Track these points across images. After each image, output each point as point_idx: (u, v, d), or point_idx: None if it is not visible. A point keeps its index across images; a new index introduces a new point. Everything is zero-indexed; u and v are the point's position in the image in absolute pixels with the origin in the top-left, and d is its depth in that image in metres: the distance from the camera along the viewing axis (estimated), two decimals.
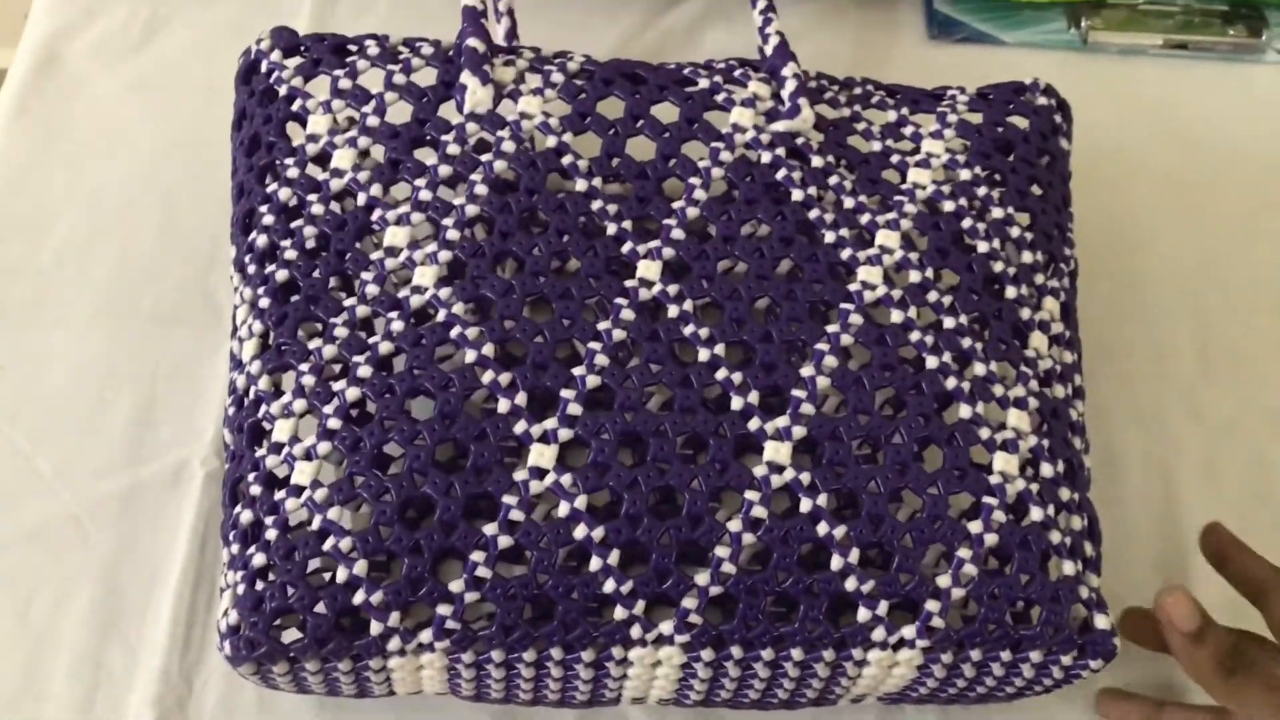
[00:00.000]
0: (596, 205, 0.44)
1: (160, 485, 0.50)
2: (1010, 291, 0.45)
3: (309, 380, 0.41)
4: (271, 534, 0.40)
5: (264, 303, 0.43)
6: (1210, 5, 0.64)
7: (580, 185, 0.45)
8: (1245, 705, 0.43)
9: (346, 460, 0.40)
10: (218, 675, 0.47)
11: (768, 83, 0.48)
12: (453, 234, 0.43)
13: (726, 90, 0.47)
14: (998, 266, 0.46)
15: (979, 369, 0.44)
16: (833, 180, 0.46)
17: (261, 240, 0.44)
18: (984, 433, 0.43)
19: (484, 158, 0.44)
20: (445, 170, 0.44)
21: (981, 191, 0.47)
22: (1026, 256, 0.46)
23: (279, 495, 0.40)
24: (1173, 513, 0.52)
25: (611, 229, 0.44)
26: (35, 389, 0.51)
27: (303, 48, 0.47)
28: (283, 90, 0.46)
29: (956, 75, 0.57)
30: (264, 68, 0.46)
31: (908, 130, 0.48)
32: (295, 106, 0.45)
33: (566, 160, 0.45)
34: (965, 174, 0.47)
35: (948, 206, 0.46)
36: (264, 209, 0.44)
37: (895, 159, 0.48)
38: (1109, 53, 0.63)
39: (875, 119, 0.49)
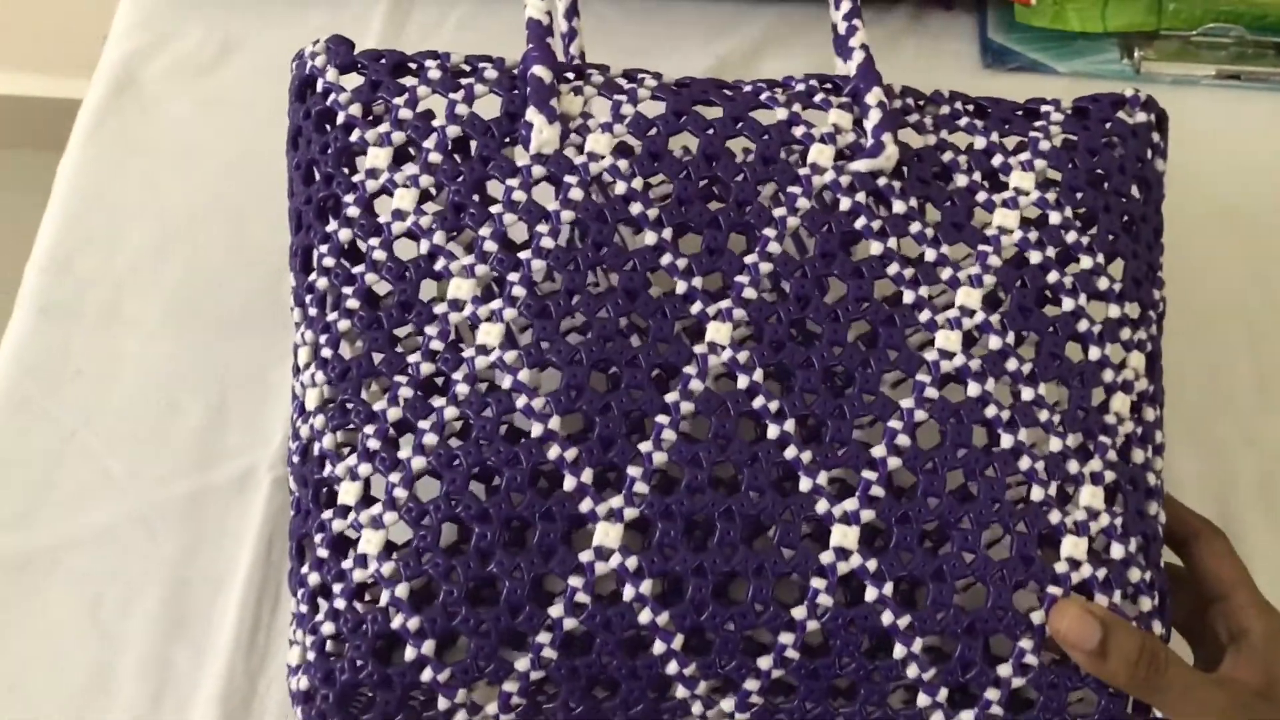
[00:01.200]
0: (666, 260, 0.42)
1: (228, 489, 0.50)
2: (1094, 353, 0.43)
3: (374, 444, 0.40)
4: (340, 603, 0.39)
5: (326, 353, 0.42)
6: (1263, 37, 0.63)
7: (650, 238, 0.42)
8: (1167, 707, 0.41)
9: (413, 533, 0.39)
10: (281, 678, 0.47)
11: (849, 109, 0.44)
12: (518, 290, 0.41)
13: (805, 123, 0.44)
14: (1082, 325, 0.43)
15: (1054, 444, 0.42)
16: (914, 228, 0.43)
17: (322, 283, 0.42)
18: (1054, 516, 0.41)
19: (550, 206, 0.42)
20: (510, 218, 0.42)
21: (1071, 238, 0.44)
22: (1113, 310, 0.43)
23: (346, 564, 0.40)
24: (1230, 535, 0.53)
25: (681, 287, 0.42)
26: (108, 393, 0.51)
27: (360, 65, 0.44)
28: (340, 117, 0.43)
29: None
30: (319, 86, 0.44)
31: (996, 160, 0.45)
32: (354, 137, 0.43)
33: (636, 209, 0.42)
34: (1055, 217, 0.44)
35: (1034, 258, 0.43)
36: (324, 249, 0.42)
37: (981, 197, 0.44)
38: (1162, 83, 0.62)
39: (962, 144, 0.45)
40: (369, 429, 0.41)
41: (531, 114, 0.42)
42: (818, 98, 0.45)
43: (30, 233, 0.56)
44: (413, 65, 0.44)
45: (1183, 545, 0.45)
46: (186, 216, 0.56)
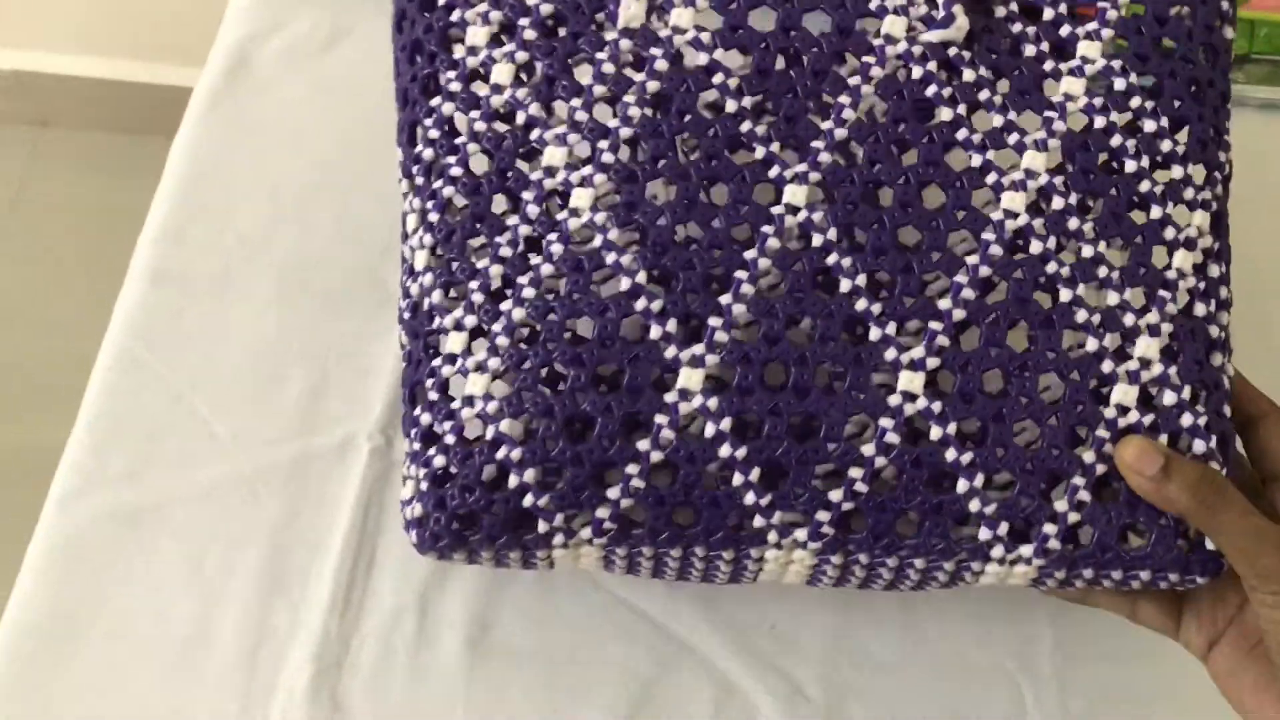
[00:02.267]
0: (745, 127, 0.46)
1: (328, 456, 0.54)
2: (1155, 211, 0.47)
3: (478, 298, 0.45)
4: (450, 439, 0.45)
5: (432, 217, 0.47)
6: None
7: (730, 105, 0.47)
8: (1224, 532, 0.44)
9: (514, 376, 0.45)
10: (373, 638, 0.51)
11: None
12: (608, 156, 0.46)
13: None
14: (1144, 186, 0.47)
15: (1112, 298, 0.46)
16: (983, 95, 0.48)
17: (428, 153, 0.48)
18: (1106, 365, 0.46)
19: (637, 77, 0.47)
20: (600, 89, 0.47)
21: (1135, 103, 0.48)
22: (1176, 171, 0.48)
23: (455, 404, 0.45)
24: None
25: (760, 152, 0.46)
26: (216, 359, 0.56)
27: None
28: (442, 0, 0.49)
29: None
30: None
31: (1064, 30, 0.49)
32: (454, 16, 0.48)
33: (717, 79, 0.47)
34: (1120, 83, 0.48)
35: (1099, 123, 0.48)
36: (428, 122, 0.48)
37: (1049, 66, 0.48)
38: (1250, 106, 0.66)
39: (1030, 14, 0.49)
40: (473, 284, 0.46)
41: None
42: None
43: (138, 216, 0.59)
44: None
45: (1247, 426, 0.49)
46: (295, 195, 0.60)
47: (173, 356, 0.55)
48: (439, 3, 0.49)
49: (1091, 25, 0.49)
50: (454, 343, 0.46)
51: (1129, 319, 0.46)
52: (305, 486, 0.53)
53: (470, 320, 0.46)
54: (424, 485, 0.45)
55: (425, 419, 0.46)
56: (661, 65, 0.47)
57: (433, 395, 0.46)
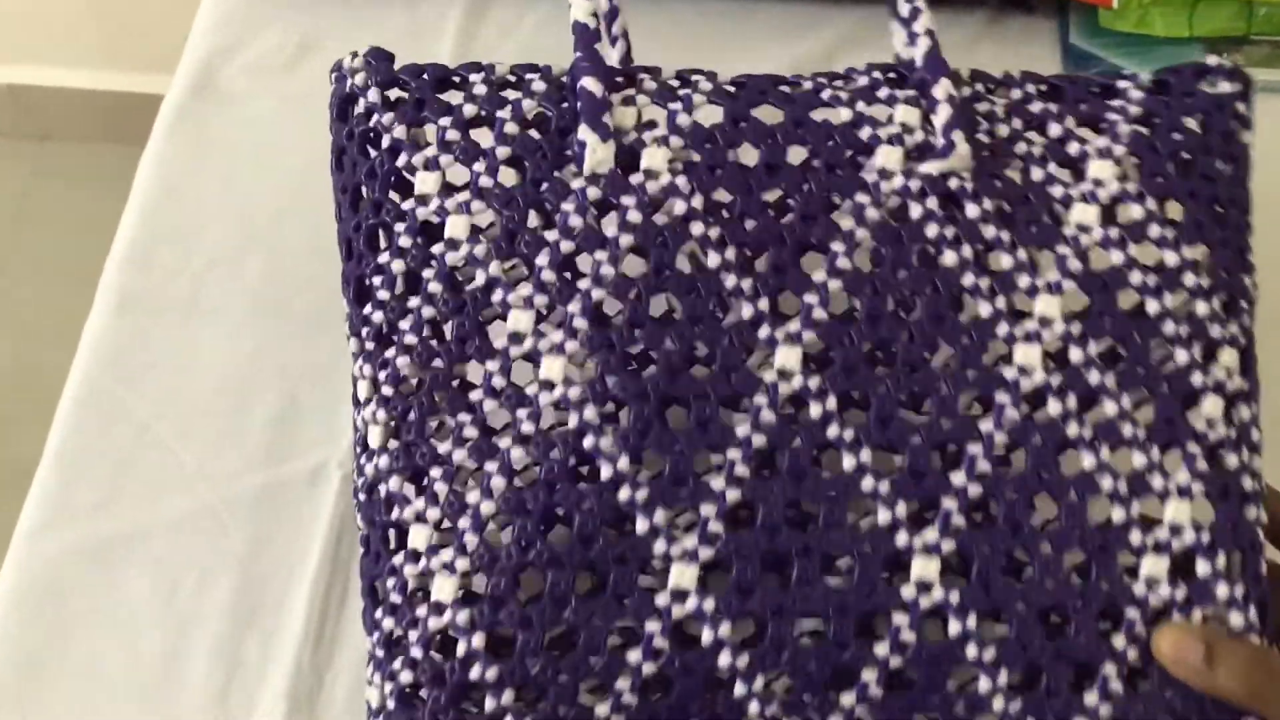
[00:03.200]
0: (730, 282, 0.40)
1: (299, 484, 0.50)
2: (1181, 356, 0.40)
3: (441, 488, 0.39)
4: (416, 652, 0.39)
5: (387, 390, 0.41)
6: None
7: (713, 259, 0.40)
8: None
9: (486, 581, 0.38)
10: (347, 671, 0.48)
11: (916, 104, 0.42)
12: (579, 322, 0.40)
13: (871, 123, 0.42)
14: (1169, 328, 0.41)
15: (1138, 460, 0.40)
16: (989, 232, 0.41)
17: (378, 317, 0.41)
18: (1135, 536, 0.39)
19: (609, 231, 0.40)
20: (567, 246, 0.40)
21: (1155, 232, 0.41)
22: (1201, 307, 0.41)
23: (420, 611, 0.39)
24: None
25: (747, 311, 0.40)
26: (184, 387, 0.52)
27: (402, 81, 0.42)
28: (385, 140, 0.42)
29: None
30: (361, 106, 0.42)
31: (1073, 149, 0.42)
32: (401, 162, 0.41)
33: (697, 229, 0.40)
34: (1136, 210, 0.41)
35: (1116, 258, 0.41)
36: (377, 281, 0.41)
37: (1058, 191, 0.42)
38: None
39: (1036, 132, 0.43)
40: (435, 471, 0.40)
41: (584, 132, 0.41)
42: (882, 93, 0.42)
43: (112, 225, 0.57)
44: (457, 79, 0.43)
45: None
46: (264, 214, 0.57)
47: (140, 385, 0.52)
48: (383, 144, 0.42)
49: (1102, 142, 0.42)
50: (416, 538, 0.39)
51: (1157, 481, 0.40)
52: (276, 516, 0.49)
53: (434, 514, 0.39)
54: (390, 702, 0.39)
55: (388, 624, 0.40)
56: (635, 217, 0.40)
57: (395, 597, 0.39)
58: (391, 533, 0.40)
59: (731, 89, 0.43)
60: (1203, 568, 0.40)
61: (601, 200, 0.41)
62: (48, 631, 0.48)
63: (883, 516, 0.39)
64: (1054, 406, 0.40)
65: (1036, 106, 0.44)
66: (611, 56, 0.45)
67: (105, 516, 0.50)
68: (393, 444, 0.41)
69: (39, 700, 0.47)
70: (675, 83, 0.43)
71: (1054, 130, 0.43)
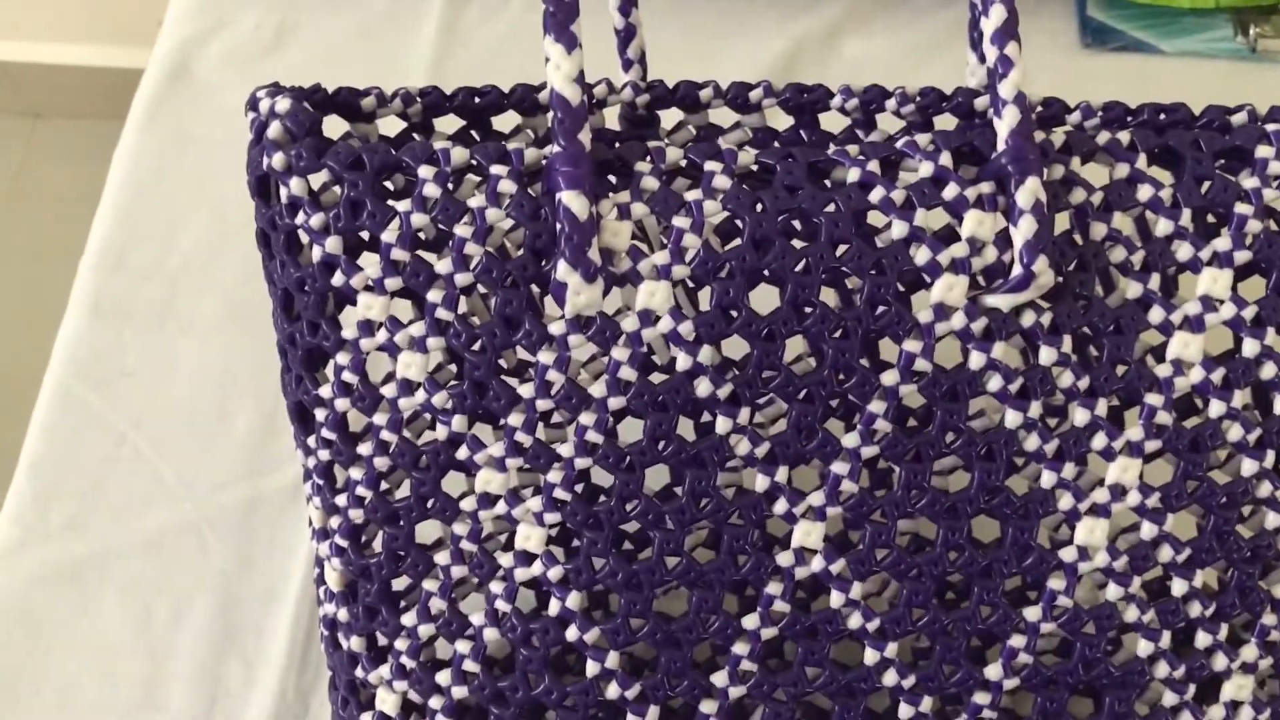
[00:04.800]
0: (743, 449, 0.33)
1: (281, 497, 0.48)
2: (1272, 520, 0.35)
3: (408, 662, 0.36)
4: None
5: (342, 542, 0.36)
6: None
7: (722, 425, 0.33)
8: None
9: None
10: None
11: (991, 206, 0.32)
12: (561, 493, 0.34)
13: (930, 242, 0.32)
14: (1264, 489, 0.34)
15: (1202, 640, 0.35)
16: (1064, 380, 0.33)
17: (324, 455, 0.35)
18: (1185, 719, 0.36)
19: (596, 392, 0.33)
20: (545, 404, 0.33)
21: (1269, 372, 0.33)
22: None
23: None
24: None
25: (761, 483, 0.34)
26: (160, 395, 0.50)
27: (331, 169, 0.33)
28: (316, 253, 0.33)
29: (1111, 88, 0.54)
30: (284, 197, 0.33)
31: (1183, 254, 0.34)
32: (337, 281, 0.33)
33: (704, 388, 0.33)
34: (1251, 346, 0.33)
35: (1215, 409, 0.34)
36: (322, 417, 0.35)
37: (1157, 316, 0.34)
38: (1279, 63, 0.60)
39: (1137, 230, 0.34)
40: (399, 644, 0.36)
41: (564, 271, 0.32)
42: (949, 191, 0.33)
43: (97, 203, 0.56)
44: (403, 168, 0.33)
45: None
46: (241, 210, 0.54)
47: (115, 393, 0.50)
48: (314, 256, 0.33)
49: (1222, 244, 0.33)
50: (385, 703, 0.37)
51: (1219, 661, 0.35)
52: (257, 531, 0.48)
53: (400, 685, 0.37)
54: None
55: None
56: (628, 374, 0.33)
57: None
58: (359, 690, 0.38)
59: (755, 169, 0.34)
60: None
61: (588, 350, 0.34)
62: (24, 659, 0.46)
63: (904, 713, 0.35)
64: (1113, 591, 0.35)
65: (1144, 192, 0.34)
66: (622, 78, 0.39)
67: (80, 535, 0.49)
68: (352, 601, 0.37)
69: None
70: (683, 163, 0.34)
71: (1163, 227, 0.34)
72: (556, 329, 0.33)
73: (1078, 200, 0.33)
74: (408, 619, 0.36)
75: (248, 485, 0.49)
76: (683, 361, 0.33)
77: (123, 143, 0.57)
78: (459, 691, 0.36)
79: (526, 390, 0.34)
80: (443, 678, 0.36)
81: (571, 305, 0.33)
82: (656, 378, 0.34)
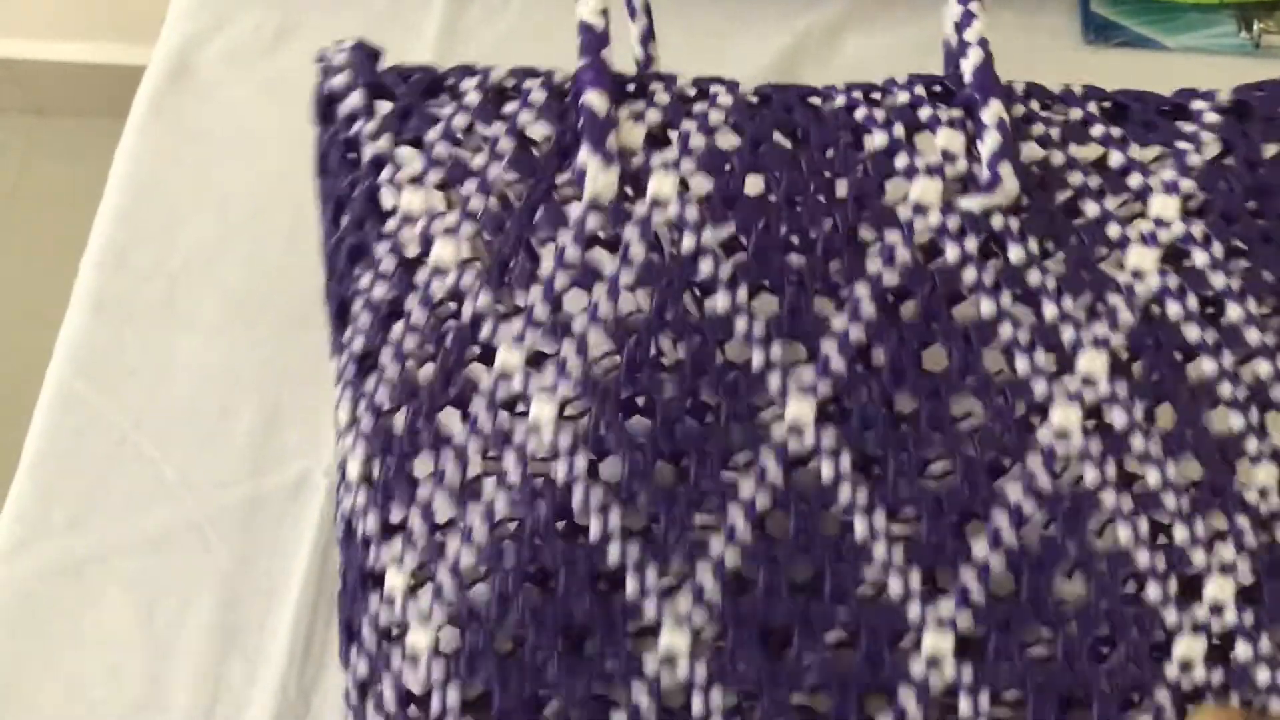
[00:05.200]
0: (741, 327, 0.37)
1: (283, 496, 0.49)
2: (1236, 421, 0.37)
3: (420, 531, 0.37)
4: (388, 697, 0.37)
5: (365, 423, 0.38)
6: None
7: (721, 302, 0.37)
8: None
9: (464, 634, 0.36)
10: (335, 693, 0.46)
11: (961, 128, 0.38)
12: (573, 364, 0.37)
13: (908, 149, 0.38)
14: (1225, 390, 0.37)
15: (1180, 534, 0.36)
16: (1033, 278, 0.37)
17: (358, 344, 0.38)
18: (1170, 616, 0.36)
19: (608, 269, 0.37)
20: (562, 281, 0.37)
21: (1219, 282, 0.37)
22: (1264, 368, 0.37)
23: (395, 661, 0.37)
24: None
25: (757, 358, 0.37)
26: (162, 393, 0.50)
27: (387, 86, 0.39)
28: (368, 151, 0.39)
29: (1114, 84, 0.54)
30: (343, 111, 0.39)
31: (1134, 181, 0.38)
32: (384, 176, 0.38)
33: (706, 267, 0.37)
34: (1200, 256, 0.38)
35: (1172, 311, 0.37)
36: (358, 305, 0.39)
37: (1114, 231, 0.38)
38: None
39: (1093, 159, 0.39)
40: (413, 515, 0.37)
41: (585, 156, 0.37)
42: (923, 112, 0.39)
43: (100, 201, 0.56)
44: (448, 85, 0.39)
45: None
46: (244, 208, 0.55)
47: (116, 392, 0.50)
48: (365, 156, 0.38)
49: (1169, 174, 0.38)
50: (393, 582, 0.37)
51: (1199, 557, 0.36)
52: (259, 530, 0.48)
53: (411, 559, 0.37)
54: None
55: (362, 668, 0.38)
56: (638, 252, 0.37)
57: (369, 641, 0.38)
58: (368, 575, 0.38)
59: (755, 100, 0.39)
60: (1243, 651, 0.37)
61: (603, 231, 0.38)
62: (27, 657, 0.47)
63: (894, 588, 0.36)
64: (1089, 474, 0.37)
65: (1097, 130, 0.39)
66: (632, 32, 0.42)
67: (82, 533, 0.49)
68: (370, 482, 0.38)
69: None
70: (692, 91, 0.39)
71: (1115, 159, 0.39)
72: (575, 212, 0.37)
73: (1038, 133, 0.39)
74: (422, 491, 0.37)
75: (250, 484, 0.49)
76: (688, 243, 0.37)
77: (124, 141, 0.57)
78: (467, 557, 0.37)
79: (545, 268, 0.37)
80: (451, 545, 0.37)
81: (590, 188, 0.37)
82: (664, 256, 0.37)
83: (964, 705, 0.36)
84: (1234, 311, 0.38)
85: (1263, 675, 0.37)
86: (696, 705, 0.36)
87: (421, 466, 0.38)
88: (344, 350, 0.39)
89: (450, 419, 0.38)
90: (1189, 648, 0.37)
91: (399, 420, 0.38)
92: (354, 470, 0.38)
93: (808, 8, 0.60)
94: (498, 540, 0.37)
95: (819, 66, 0.57)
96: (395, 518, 0.38)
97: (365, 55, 0.40)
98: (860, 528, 0.36)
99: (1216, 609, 0.37)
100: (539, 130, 0.38)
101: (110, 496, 0.49)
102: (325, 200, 0.40)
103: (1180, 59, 0.59)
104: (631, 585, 0.36)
